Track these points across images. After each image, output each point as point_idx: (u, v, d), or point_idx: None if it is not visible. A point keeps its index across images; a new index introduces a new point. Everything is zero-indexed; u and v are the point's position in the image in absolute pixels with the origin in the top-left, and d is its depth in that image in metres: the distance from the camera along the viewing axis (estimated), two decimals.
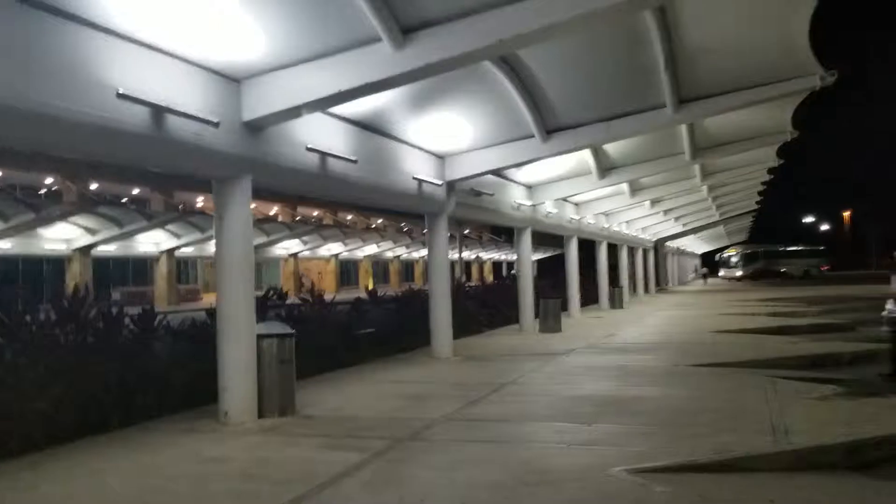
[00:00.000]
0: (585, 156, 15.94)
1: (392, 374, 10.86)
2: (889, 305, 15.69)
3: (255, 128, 7.78)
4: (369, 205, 12.68)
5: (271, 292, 11.35)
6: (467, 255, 74.34)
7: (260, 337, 7.79)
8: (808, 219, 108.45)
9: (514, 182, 16.44)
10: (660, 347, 13.40)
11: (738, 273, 75.43)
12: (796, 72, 10.32)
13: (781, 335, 15.28)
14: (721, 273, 79.16)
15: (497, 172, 14.90)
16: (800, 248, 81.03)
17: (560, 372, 10.46)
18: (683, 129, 14.77)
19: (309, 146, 8.53)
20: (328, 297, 13.85)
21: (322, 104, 7.93)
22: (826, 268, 78.83)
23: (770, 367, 10.85)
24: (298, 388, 8.05)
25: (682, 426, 6.72)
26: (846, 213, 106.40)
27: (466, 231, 63.91)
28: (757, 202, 39.49)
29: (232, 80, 7.61)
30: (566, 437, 6.43)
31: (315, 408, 8.13)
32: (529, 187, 17.41)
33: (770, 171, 24.95)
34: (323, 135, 8.99)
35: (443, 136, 11.85)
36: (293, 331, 7.99)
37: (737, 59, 10.13)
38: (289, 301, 12.68)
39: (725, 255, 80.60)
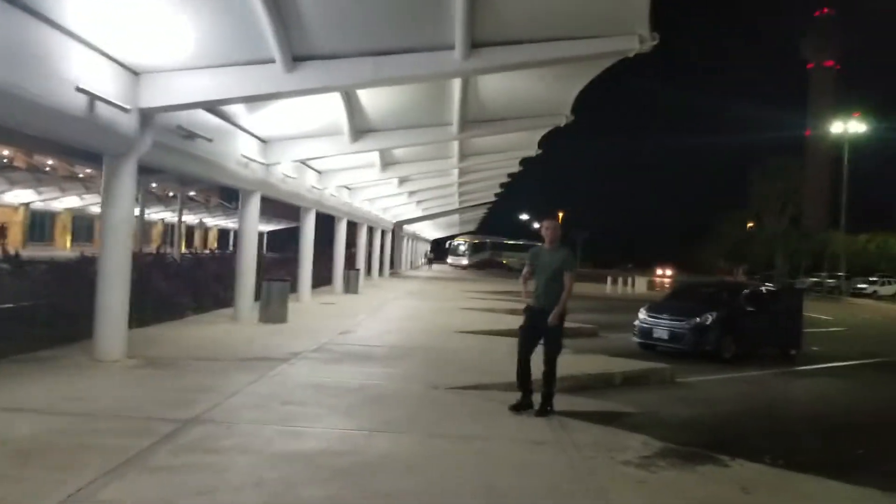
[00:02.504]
0: (338, 112, 12.85)
1: (9, 390, 6.90)
2: (641, 315, 14.81)
3: None
4: None
5: None
6: (191, 218, 67.37)
7: None
8: (524, 216, 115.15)
9: (244, 130, 12.83)
10: (406, 354, 10.81)
11: (465, 262, 77.55)
12: (619, 26, 8.19)
13: None
14: (449, 260, 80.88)
15: (219, 110, 11.32)
16: (521, 243, 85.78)
17: (277, 397, 7.28)
18: (457, 92, 12.31)
19: None
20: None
21: None
22: None
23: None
24: None
25: None
26: (560, 214, 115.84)
27: (192, 193, 57.50)
28: (496, 194, 39.45)
29: None
30: None
31: None
32: (264, 141, 13.90)
33: (522, 161, 23.98)
34: None
35: (136, 38, 8.07)
36: None
37: None
38: None
39: (455, 242, 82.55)
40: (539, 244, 7.55)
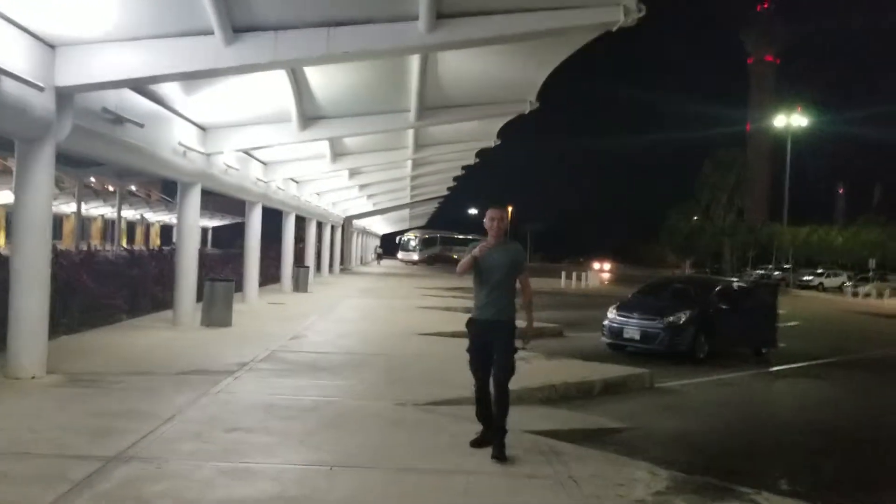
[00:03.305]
0: (285, 97, 11.79)
1: None
2: (610, 314, 14.11)
3: None
4: None
5: None
6: (132, 214, 64.79)
7: None
8: (473, 210, 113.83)
9: (181, 116, 11.64)
10: (365, 362, 9.85)
11: (415, 257, 76.56)
12: None
13: None
14: (399, 255, 79.79)
15: (152, 92, 10.18)
16: (471, 238, 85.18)
17: (220, 422, 6.23)
18: (415, 75, 11.38)
19: None
20: None
21: None
22: None
23: (519, 401, 7.85)
24: None
25: None
26: (509, 208, 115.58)
27: (133, 187, 55.07)
28: (449, 188, 38.63)
29: None
30: None
31: None
32: (204, 129, 12.71)
33: (478, 153, 23.21)
34: None
35: (51, 4, 6.92)
36: None
37: None
38: None
39: (405, 237, 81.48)
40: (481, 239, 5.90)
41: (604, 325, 13.80)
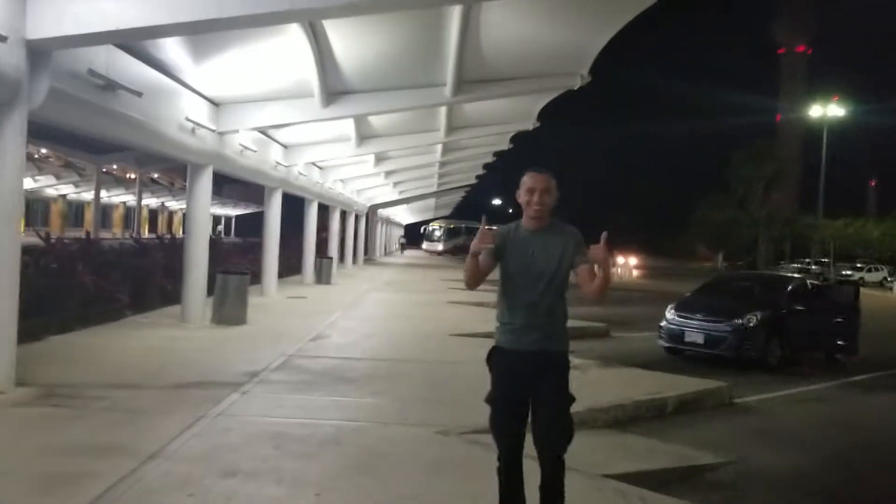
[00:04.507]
0: (306, 67, 10.40)
1: None
2: (669, 314, 12.57)
3: None
4: None
5: None
6: (154, 202, 64.07)
7: None
8: (497, 200, 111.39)
9: (190, 88, 10.30)
10: (396, 372, 8.46)
11: (440, 247, 75.38)
12: None
13: None
14: (424, 246, 78.66)
15: (155, 58, 8.82)
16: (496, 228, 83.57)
17: (217, 461, 4.86)
18: (454, 41, 9.89)
19: None
20: None
21: None
22: None
23: (584, 426, 6.42)
24: None
25: None
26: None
27: (155, 175, 54.23)
28: (478, 176, 37.17)
29: None
30: None
31: None
32: (216, 104, 11.38)
33: (513, 138, 21.71)
34: None
35: None
36: None
37: None
38: None
39: (430, 227, 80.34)
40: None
41: (661, 327, 12.29)
